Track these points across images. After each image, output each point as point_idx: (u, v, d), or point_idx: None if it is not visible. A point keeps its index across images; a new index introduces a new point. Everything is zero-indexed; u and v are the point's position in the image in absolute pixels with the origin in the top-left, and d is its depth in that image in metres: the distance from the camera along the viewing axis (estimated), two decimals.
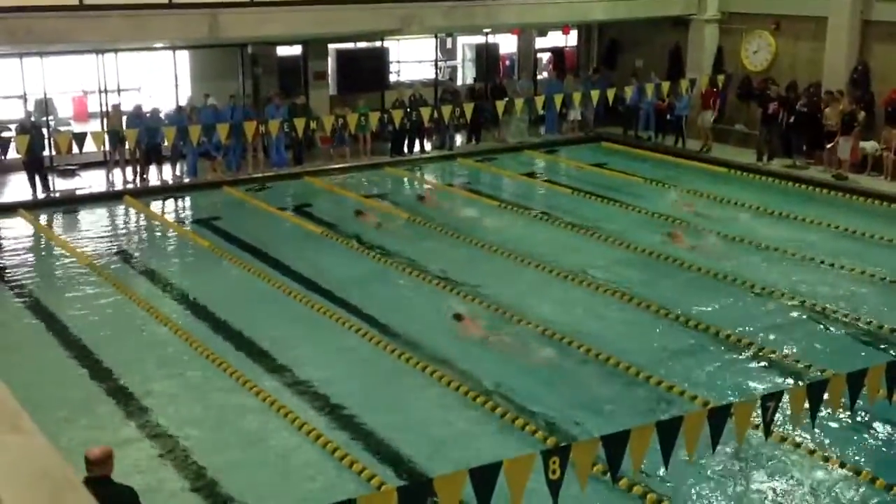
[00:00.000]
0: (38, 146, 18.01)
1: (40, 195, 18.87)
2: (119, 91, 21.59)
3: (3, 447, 1.85)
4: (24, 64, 20.40)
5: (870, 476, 8.79)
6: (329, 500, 5.85)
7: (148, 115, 20.07)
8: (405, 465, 9.14)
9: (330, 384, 10.82)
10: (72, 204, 18.83)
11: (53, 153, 19.25)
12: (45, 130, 19.54)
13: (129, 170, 19.99)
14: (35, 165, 18.83)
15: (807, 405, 7.81)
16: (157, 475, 9.10)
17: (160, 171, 20.30)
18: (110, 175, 20.11)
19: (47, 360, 11.68)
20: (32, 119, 19.85)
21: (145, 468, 9.17)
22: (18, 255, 15.85)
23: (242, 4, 19.48)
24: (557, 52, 27.83)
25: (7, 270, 14.94)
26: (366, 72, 23.90)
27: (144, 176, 19.94)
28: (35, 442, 1.83)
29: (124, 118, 20.09)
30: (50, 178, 19.28)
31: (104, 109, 20.93)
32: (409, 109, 21.07)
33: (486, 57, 26.85)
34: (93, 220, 18.19)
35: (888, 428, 9.85)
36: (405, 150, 22.55)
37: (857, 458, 9.21)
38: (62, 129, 21.16)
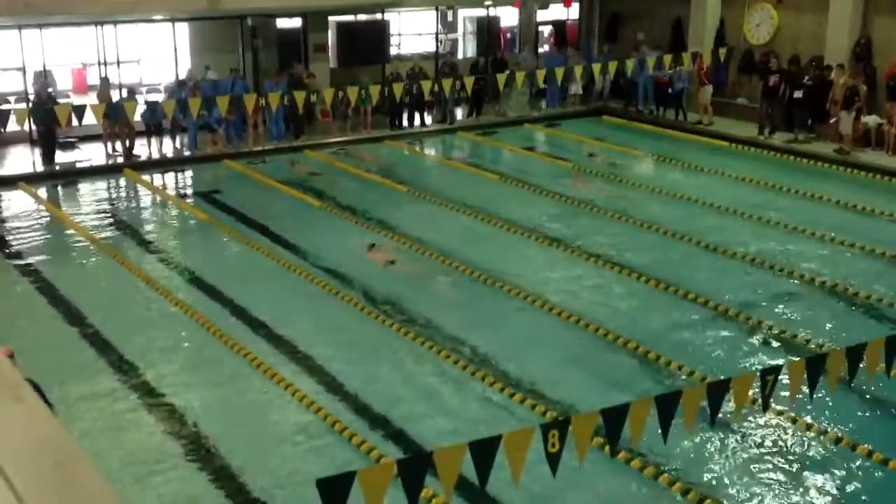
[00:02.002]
0: (53, 118, 17.87)
1: (45, 168, 18.89)
2: (118, 63, 21.51)
3: (5, 418, 1.86)
4: (24, 36, 20.31)
5: (867, 450, 8.83)
6: (328, 472, 5.87)
7: (144, 92, 19.99)
8: (407, 439, 9.19)
9: (329, 358, 10.85)
10: (72, 177, 18.83)
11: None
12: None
13: (119, 144, 19.88)
14: (49, 138, 18.83)
15: (805, 379, 7.84)
16: (155, 442, 9.17)
17: (160, 144, 20.27)
18: (109, 148, 20.05)
19: (47, 330, 11.72)
20: (49, 91, 19.84)
21: (143, 436, 9.25)
22: (19, 227, 15.86)
23: None
24: (559, 26, 27.69)
25: (8, 242, 14.96)
26: (366, 44, 23.79)
27: (133, 151, 19.81)
28: (36, 412, 1.83)
29: (114, 92, 20.02)
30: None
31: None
32: (407, 83, 20.99)
33: (487, 30, 26.73)
34: (93, 193, 18.19)
35: (886, 402, 9.89)
36: (405, 123, 22.51)
37: (854, 432, 9.24)
38: (61, 101, 21.09)
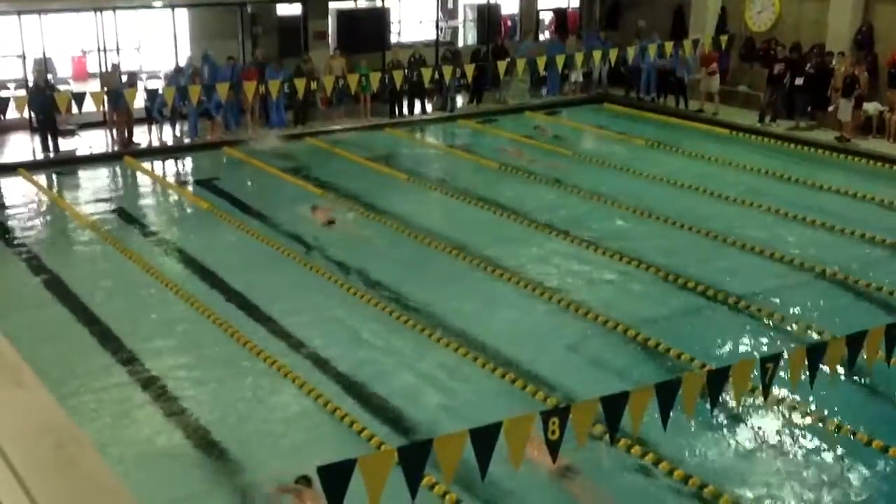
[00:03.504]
0: (52, 106, 17.79)
1: (44, 155, 18.85)
2: (118, 50, 21.44)
3: (7, 402, 1.86)
4: (23, 22, 20.24)
5: (866, 438, 8.85)
6: (328, 459, 5.88)
7: (144, 79, 19.94)
8: (409, 429, 9.20)
9: (329, 345, 10.86)
10: (72, 164, 18.79)
11: None
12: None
13: (118, 131, 19.84)
14: (48, 125, 18.80)
15: (806, 366, 7.84)
16: (155, 428, 9.20)
17: (160, 132, 20.24)
18: (110, 135, 20.01)
19: (48, 318, 11.71)
20: (47, 78, 19.78)
21: (143, 422, 9.29)
22: (19, 214, 15.85)
23: None
24: (560, 13, 27.61)
25: (8, 230, 14.95)
26: (366, 32, 23.71)
27: (132, 139, 19.76)
28: (38, 397, 1.83)
29: (124, 78, 19.99)
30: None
31: (103, 69, 20.82)
32: (407, 71, 20.93)
33: (488, 17, 26.65)
34: (93, 181, 18.17)
35: (885, 390, 9.90)
36: (404, 111, 22.45)
37: (854, 419, 9.25)
38: (61, 88, 21.03)
